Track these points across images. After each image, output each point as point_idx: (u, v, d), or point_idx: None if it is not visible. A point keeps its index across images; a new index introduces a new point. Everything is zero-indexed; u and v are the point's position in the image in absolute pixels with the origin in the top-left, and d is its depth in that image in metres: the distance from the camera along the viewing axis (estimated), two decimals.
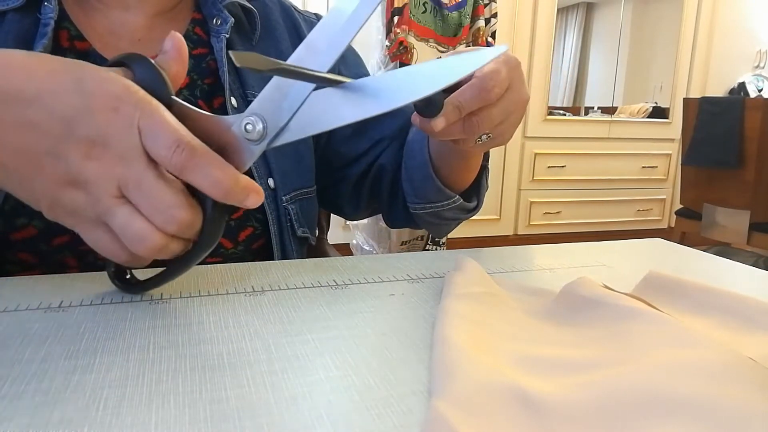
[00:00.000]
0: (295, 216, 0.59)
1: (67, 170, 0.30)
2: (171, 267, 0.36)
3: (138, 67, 0.33)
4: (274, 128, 0.34)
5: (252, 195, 0.33)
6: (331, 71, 0.33)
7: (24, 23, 0.49)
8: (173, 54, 0.35)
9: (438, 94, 0.41)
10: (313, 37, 0.33)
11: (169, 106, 0.32)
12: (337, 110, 0.33)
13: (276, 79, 0.34)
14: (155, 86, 0.33)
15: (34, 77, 0.31)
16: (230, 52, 0.30)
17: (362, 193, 0.67)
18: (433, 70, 0.32)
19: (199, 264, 0.36)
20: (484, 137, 0.45)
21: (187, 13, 0.58)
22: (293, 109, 0.33)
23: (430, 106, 0.41)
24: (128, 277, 0.39)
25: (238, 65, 0.27)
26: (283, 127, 0.34)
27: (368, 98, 0.32)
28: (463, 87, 0.41)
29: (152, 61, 0.34)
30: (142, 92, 0.32)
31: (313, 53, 0.33)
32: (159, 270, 0.37)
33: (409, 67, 0.32)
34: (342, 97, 0.33)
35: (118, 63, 0.34)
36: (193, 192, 0.33)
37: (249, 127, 0.34)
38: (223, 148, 0.34)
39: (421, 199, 0.60)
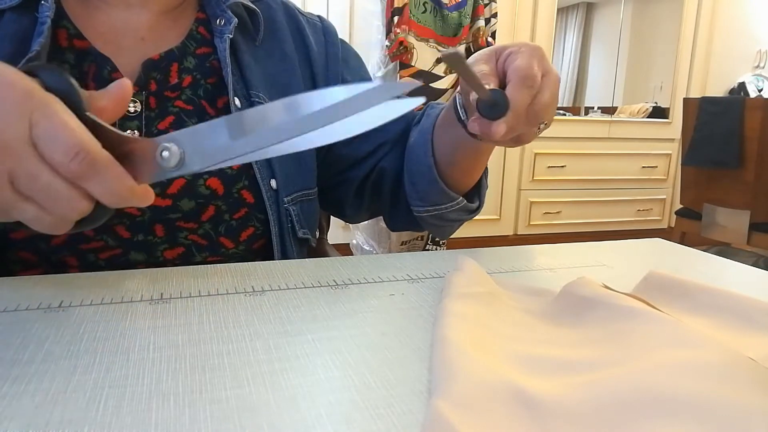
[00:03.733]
0: (296, 217, 0.59)
1: None
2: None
3: (47, 75, 0.32)
4: (193, 164, 0.33)
5: (145, 202, 0.34)
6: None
7: (22, 22, 0.49)
8: (113, 92, 0.34)
9: (502, 94, 0.42)
10: (304, 97, 0.31)
11: (81, 118, 0.31)
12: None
13: (231, 118, 0.32)
14: (65, 95, 0.31)
15: None
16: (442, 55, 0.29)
17: (364, 196, 0.68)
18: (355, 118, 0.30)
19: (199, 264, 0.36)
20: (542, 125, 0.47)
21: (191, 12, 0.58)
22: (228, 155, 0.32)
23: (496, 106, 0.42)
24: None
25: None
26: (207, 167, 0.33)
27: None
28: (508, 89, 0.43)
29: (64, 73, 0.32)
30: (45, 95, 0.30)
31: (294, 111, 0.31)
32: None
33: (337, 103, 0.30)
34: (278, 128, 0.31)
35: (28, 72, 0.32)
36: None
37: (165, 154, 0.33)
38: (127, 155, 0.33)
39: (425, 202, 0.61)
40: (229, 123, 0.32)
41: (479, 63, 0.46)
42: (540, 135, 0.49)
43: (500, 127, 0.42)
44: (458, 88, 0.53)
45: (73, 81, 0.32)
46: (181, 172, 0.33)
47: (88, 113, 0.32)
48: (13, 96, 0.30)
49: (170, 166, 0.33)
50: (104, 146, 0.31)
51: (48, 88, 0.31)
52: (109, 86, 0.35)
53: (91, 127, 0.32)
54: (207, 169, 0.33)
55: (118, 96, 0.35)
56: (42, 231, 0.33)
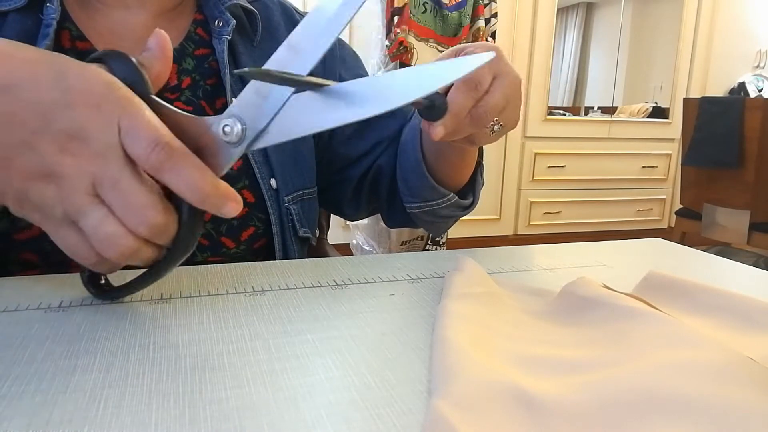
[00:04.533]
0: (296, 216, 0.59)
1: (41, 163, 0.29)
2: (145, 273, 0.35)
3: (116, 64, 0.32)
4: (254, 131, 0.33)
5: (230, 203, 0.31)
6: (314, 71, 0.32)
7: (26, 24, 0.49)
8: (156, 52, 0.34)
9: (440, 97, 0.41)
10: (295, 37, 0.32)
11: (148, 104, 0.32)
12: (318, 114, 0.32)
13: (255, 82, 0.33)
14: (134, 84, 0.32)
15: (10, 64, 0.29)
16: (239, 72, 0.29)
17: (362, 194, 0.68)
18: (416, 77, 0.30)
19: (199, 264, 0.36)
20: (496, 128, 0.46)
21: (189, 13, 0.58)
22: (273, 111, 0.32)
23: (432, 109, 0.41)
24: (102, 282, 0.38)
25: (246, 77, 0.27)
26: (263, 130, 0.33)
27: (350, 103, 0.31)
28: (450, 91, 0.42)
29: (131, 58, 0.33)
30: (124, 89, 0.31)
31: (296, 53, 0.32)
32: (134, 275, 0.36)
33: (394, 72, 0.31)
34: (324, 101, 0.32)
35: (97, 60, 0.33)
36: (170, 197, 0.32)
37: (227, 128, 0.32)
38: (201, 149, 0.33)
39: (416, 198, 0.61)
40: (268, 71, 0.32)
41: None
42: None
43: (437, 129, 0.41)
44: None
45: (140, 67, 0.33)
46: (246, 143, 0.33)
47: (152, 96, 0.33)
48: (110, 98, 0.30)
49: (233, 140, 0.33)
50: (171, 130, 0.31)
51: (117, 77, 0.31)
52: (149, 46, 0.34)
53: (155, 109, 0.32)
54: (270, 137, 0.33)
55: (163, 54, 0.34)
56: (98, 245, 0.31)
